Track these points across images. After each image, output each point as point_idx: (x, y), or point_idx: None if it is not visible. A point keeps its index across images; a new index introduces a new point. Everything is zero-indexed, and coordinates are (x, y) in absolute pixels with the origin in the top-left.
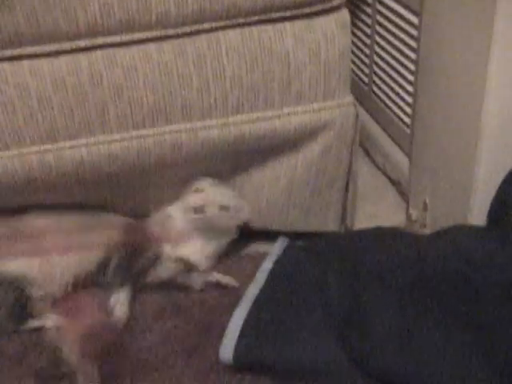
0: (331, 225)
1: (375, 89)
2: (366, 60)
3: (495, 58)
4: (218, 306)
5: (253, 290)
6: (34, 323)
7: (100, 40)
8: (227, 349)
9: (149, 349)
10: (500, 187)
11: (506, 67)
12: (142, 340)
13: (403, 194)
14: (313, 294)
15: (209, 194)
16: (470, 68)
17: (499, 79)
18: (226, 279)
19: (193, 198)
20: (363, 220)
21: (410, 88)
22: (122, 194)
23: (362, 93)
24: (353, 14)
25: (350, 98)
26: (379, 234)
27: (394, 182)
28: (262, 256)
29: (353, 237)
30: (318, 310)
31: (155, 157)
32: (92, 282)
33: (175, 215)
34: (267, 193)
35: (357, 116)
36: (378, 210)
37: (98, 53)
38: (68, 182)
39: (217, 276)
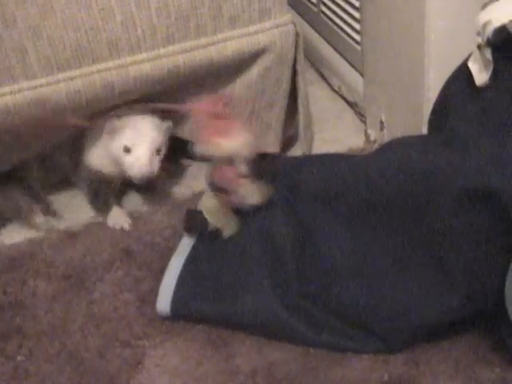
0: (271, 146)
1: (324, 8)
2: None
3: None
4: (171, 248)
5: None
6: None
7: None
8: (164, 301)
9: (100, 300)
10: (440, 93)
11: None
12: (92, 292)
13: (361, 116)
14: (255, 232)
15: None
16: None
17: None
18: None
19: None
20: (321, 145)
21: (356, 3)
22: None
23: (312, 15)
24: None
25: (288, 17)
26: (318, 158)
27: (351, 104)
28: None
29: (291, 161)
30: (260, 254)
31: (87, 98)
32: None
33: None
34: None
35: (297, 35)
36: (336, 133)
37: None
38: None
39: None
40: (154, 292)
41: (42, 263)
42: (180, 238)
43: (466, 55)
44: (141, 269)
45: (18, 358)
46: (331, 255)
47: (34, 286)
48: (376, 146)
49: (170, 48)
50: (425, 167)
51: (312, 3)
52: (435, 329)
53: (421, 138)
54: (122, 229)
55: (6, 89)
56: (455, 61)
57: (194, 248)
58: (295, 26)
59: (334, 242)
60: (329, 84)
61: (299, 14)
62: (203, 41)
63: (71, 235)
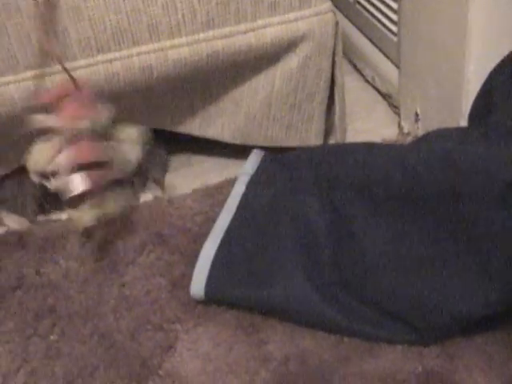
0: (313, 139)
1: None
2: None
3: None
4: (203, 233)
5: (223, 220)
6: None
7: None
8: (198, 284)
9: (132, 283)
10: (482, 86)
11: None
12: (124, 275)
13: (394, 107)
14: (290, 219)
15: None
16: None
17: None
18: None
19: None
20: (354, 136)
21: None
22: None
23: (348, 5)
24: None
25: (327, 5)
26: (355, 147)
27: (385, 96)
28: None
29: (330, 150)
30: (294, 240)
31: (125, 81)
32: None
33: None
34: (245, 107)
35: (337, 24)
36: (369, 125)
37: None
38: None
39: None
40: (186, 277)
41: (74, 244)
42: (212, 223)
43: (509, 48)
44: (173, 253)
45: (51, 337)
46: (367, 244)
47: (67, 267)
48: (410, 138)
49: (210, 33)
50: (466, 159)
51: None
52: (471, 323)
53: (460, 130)
54: (154, 213)
55: (46, 69)
56: (497, 53)
57: (227, 232)
58: (335, 14)
59: (371, 230)
60: (361, 75)
61: (334, 3)
62: (243, 27)
63: (104, 218)
